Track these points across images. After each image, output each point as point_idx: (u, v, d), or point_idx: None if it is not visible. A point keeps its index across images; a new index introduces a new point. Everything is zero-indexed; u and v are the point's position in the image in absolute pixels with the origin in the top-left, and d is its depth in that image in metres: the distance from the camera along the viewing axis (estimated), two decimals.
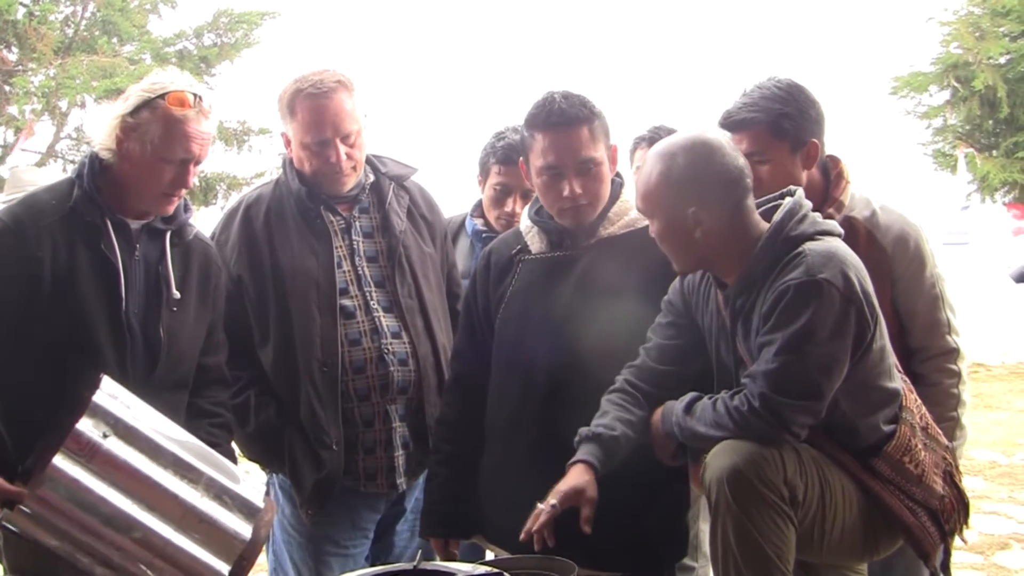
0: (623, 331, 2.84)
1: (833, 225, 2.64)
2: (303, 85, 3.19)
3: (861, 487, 2.59)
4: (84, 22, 13.16)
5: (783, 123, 2.95)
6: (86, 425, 2.44)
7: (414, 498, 3.36)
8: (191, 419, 2.96)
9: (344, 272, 3.25)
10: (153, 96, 2.77)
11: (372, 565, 3.18)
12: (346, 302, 3.22)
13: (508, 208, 3.72)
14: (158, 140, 2.76)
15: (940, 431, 2.78)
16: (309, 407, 3.15)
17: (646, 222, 2.90)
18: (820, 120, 3.03)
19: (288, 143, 3.30)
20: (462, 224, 4.00)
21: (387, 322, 3.25)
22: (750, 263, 2.57)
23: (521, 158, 3.06)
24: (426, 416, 3.27)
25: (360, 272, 3.27)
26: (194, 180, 2.93)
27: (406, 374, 3.24)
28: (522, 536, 2.62)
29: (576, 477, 2.67)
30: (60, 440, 2.44)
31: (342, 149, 3.19)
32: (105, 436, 2.45)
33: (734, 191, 2.59)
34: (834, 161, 3.10)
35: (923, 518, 2.62)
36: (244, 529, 2.52)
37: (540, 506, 2.63)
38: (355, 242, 3.29)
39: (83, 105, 12.67)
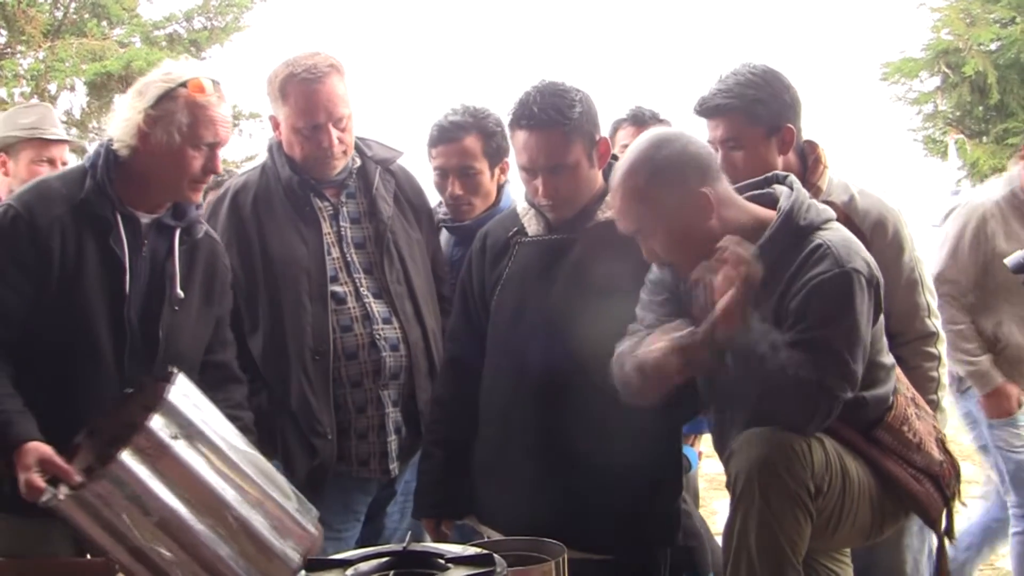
0: (619, 315, 2.84)
1: (832, 212, 2.66)
2: (296, 69, 3.18)
3: (869, 463, 2.61)
4: (74, 5, 13.08)
5: (757, 109, 2.96)
6: (158, 423, 2.39)
7: (404, 480, 3.37)
8: None
9: (333, 259, 3.25)
10: (173, 86, 2.76)
11: (362, 547, 3.19)
12: (336, 289, 3.22)
13: (448, 190, 3.63)
14: (186, 128, 2.75)
15: (924, 402, 2.82)
16: (301, 395, 3.15)
17: None
18: (795, 105, 3.04)
19: (277, 126, 3.28)
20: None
21: (377, 308, 3.25)
22: (758, 251, 2.54)
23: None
24: (417, 401, 3.28)
25: (349, 259, 3.27)
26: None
27: (398, 359, 3.25)
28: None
29: None
30: (131, 434, 2.38)
31: (334, 134, 3.19)
32: (175, 437, 2.40)
33: (715, 167, 2.63)
34: (811, 146, 3.12)
35: (927, 485, 2.67)
36: (292, 557, 2.48)
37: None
38: (343, 228, 3.29)
39: (72, 88, 12.61)
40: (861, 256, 2.53)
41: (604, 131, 3.07)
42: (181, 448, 2.41)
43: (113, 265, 2.76)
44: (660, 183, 2.57)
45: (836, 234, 2.57)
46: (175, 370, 2.55)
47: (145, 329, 2.81)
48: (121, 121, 2.80)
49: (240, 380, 3.06)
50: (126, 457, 2.34)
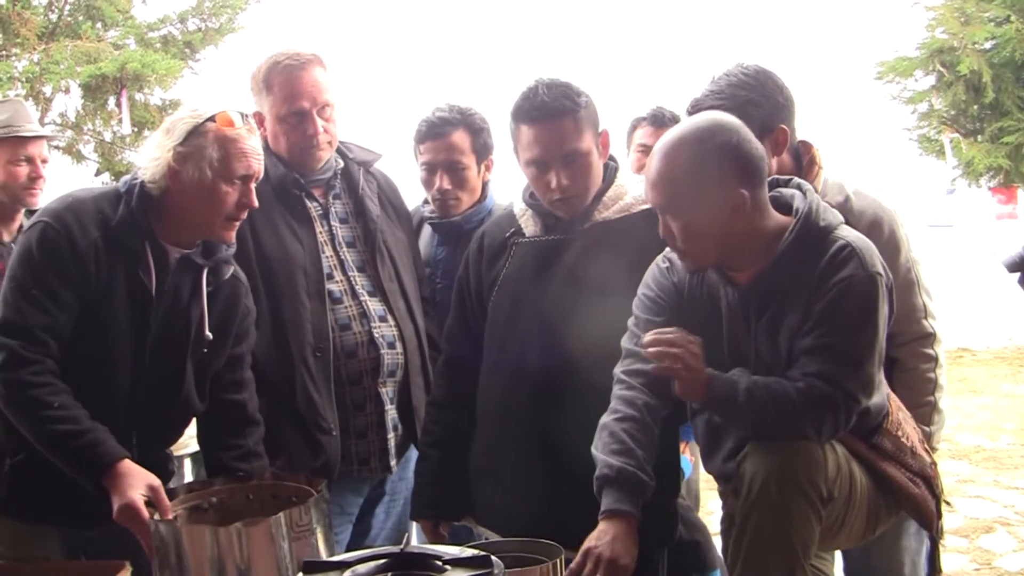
0: (616, 315, 2.83)
1: (841, 216, 2.65)
2: (279, 59, 3.23)
3: (870, 470, 2.61)
4: (68, 7, 13.03)
5: (750, 110, 2.93)
6: (310, 510, 2.51)
7: (390, 480, 3.38)
8: (212, 475, 2.94)
9: (328, 257, 3.26)
10: (200, 121, 2.72)
11: (349, 547, 3.20)
12: (332, 287, 3.23)
13: (436, 185, 3.64)
14: (217, 162, 2.71)
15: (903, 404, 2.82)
16: (305, 393, 3.16)
17: (641, 207, 2.90)
18: (789, 106, 3.02)
19: (262, 123, 3.26)
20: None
21: (373, 306, 3.27)
22: (779, 257, 2.53)
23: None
24: (412, 398, 3.29)
25: (342, 257, 3.29)
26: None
27: (394, 356, 3.27)
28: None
29: (623, 541, 2.58)
30: (286, 503, 2.58)
31: (319, 123, 3.20)
32: (313, 531, 2.51)
33: (763, 171, 2.56)
34: (806, 147, 3.10)
35: (922, 487, 2.69)
36: None
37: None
38: (334, 227, 3.31)
39: (67, 90, 12.56)
40: (879, 259, 2.54)
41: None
42: (312, 542, 2.51)
43: (140, 296, 2.74)
44: (703, 169, 2.51)
45: (855, 235, 2.56)
46: (324, 480, 2.72)
47: (163, 363, 2.80)
48: (150, 161, 2.76)
49: (256, 422, 3.03)
50: (280, 519, 2.46)
